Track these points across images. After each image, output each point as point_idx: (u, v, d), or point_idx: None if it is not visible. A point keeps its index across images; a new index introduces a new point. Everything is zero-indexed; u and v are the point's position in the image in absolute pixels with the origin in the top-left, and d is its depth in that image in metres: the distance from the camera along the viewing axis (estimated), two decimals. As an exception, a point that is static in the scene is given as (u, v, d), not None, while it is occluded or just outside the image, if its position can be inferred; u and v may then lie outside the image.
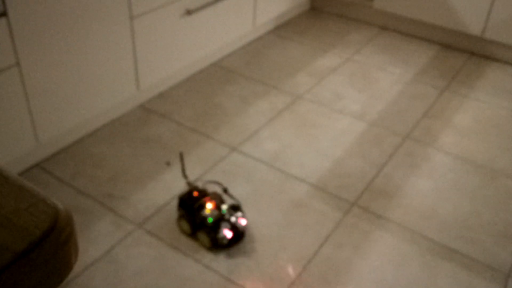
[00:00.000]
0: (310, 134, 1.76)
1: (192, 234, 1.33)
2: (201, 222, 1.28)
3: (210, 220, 1.27)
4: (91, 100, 1.56)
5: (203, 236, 1.29)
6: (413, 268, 1.28)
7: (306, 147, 1.69)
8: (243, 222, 1.31)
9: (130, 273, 1.22)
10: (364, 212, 1.45)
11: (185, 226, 1.32)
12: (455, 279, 1.26)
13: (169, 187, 1.49)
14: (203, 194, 1.32)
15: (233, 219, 1.29)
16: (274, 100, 1.93)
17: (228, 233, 1.28)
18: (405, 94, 2.00)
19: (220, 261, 1.27)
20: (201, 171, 1.56)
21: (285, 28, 2.48)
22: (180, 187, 1.49)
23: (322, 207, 1.46)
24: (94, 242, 1.30)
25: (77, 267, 1.23)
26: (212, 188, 1.47)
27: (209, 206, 1.29)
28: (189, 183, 1.37)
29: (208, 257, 1.28)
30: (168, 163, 1.57)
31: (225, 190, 1.38)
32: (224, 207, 1.30)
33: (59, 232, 0.36)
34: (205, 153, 1.64)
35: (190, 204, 1.30)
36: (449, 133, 1.79)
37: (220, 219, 1.28)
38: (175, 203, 1.44)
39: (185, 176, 1.41)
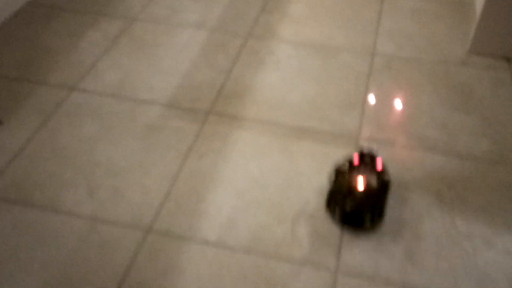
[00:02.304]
0: (152, 55, 1.67)
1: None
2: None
3: None
4: None
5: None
6: (274, 155, 1.33)
7: (151, 69, 1.61)
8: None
9: (-18, 245, 1.11)
10: (220, 118, 1.44)
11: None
12: (312, 154, 1.33)
13: (7, 147, 1.34)
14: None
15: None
16: (106, 28, 1.78)
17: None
18: (240, -6, 1.97)
19: (84, 203, 1.20)
20: (40, 121, 1.41)
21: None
22: (20, 142, 1.35)
23: (178, 124, 1.42)
24: None
25: None
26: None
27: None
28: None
29: (72, 201, 1.20)
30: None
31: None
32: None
33: None
34: (40, 101, 1.48)
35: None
36: (287, 23, 1.82)
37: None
38: (13, 165, 1.30)
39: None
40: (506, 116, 1.43)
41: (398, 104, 1.48)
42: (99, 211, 1.19)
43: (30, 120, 1.42)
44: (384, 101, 1.49)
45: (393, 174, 1.27)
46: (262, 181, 1.26)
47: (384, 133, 1.39)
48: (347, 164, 1.12)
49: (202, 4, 1.91)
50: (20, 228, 1.15)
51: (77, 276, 1.06)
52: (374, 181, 1.08)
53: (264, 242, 1.12)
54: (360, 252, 1.10)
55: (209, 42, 1.73)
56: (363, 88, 1.54)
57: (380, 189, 1.09)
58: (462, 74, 1.58)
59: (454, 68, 1.60)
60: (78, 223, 1.16)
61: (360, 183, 1.08)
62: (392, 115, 1.44)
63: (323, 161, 1.31)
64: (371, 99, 1.50)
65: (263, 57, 1.67)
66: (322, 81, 1.57)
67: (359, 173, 1.09)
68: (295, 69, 1.62)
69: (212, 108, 1.48)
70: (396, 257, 1.09)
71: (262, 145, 1.36)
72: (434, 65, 1.62)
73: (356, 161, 1.11)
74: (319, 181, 1.26)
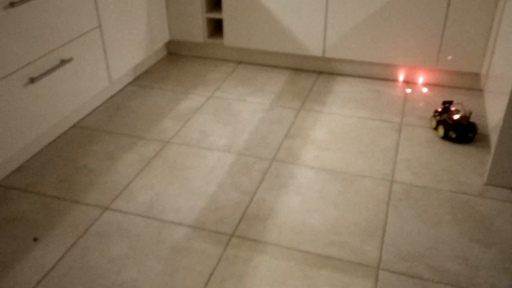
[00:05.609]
0: (182, 176, 1.78)
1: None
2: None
3: None
4: None
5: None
6: (294, 283, 1.35)
7: (179, 190, 1.71)
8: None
9: None
10: (243, 241, 1.49)
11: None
12: (332, 284, 1.34)
13: (40, 264, 1.41)
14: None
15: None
16: (141, 150, 1.93)
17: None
18: (265, 120, 2.12)
19: (104, 328, 1.22)
20: (72, 239, 1.50)
21: (145, 77, 2.50)
22: (52, 261, 1.41)
23: (202, 246, 1.48)
24: None
25: None
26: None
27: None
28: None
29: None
30: (35, 239, 1.49)
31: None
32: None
33: None
34: (74, 219, 1.58)
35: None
36: (309, 148, 1.93)
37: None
38: (41, 284, 1.36)
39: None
40: (527, 250, 1.43)
41: (417, 234, 1.51)
42: (120, 336, 1.21)
43: (64, 238, 1.50)
44: (404, 230, 1.52)
45: (414, 307, 1.26)
46: (281, 310, 1.27)
47: (404, 264, 1.40)
48: (438, 113, 2.05)
49: (230, 129, 2.06)
50: None
51: None
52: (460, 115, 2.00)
53: None
54: None
55: (236, 165, 1.84)
56: (382, 216, 1.58)
57: (468, 119, 1.97)
58: (480, 206, 1.61)
59: (472, 199, 1.64)
60: None
61: (456, 116, 1.97)
62: (412, 245, 1.46)
63: (342, 290, 1.32)
64: (391, 227, 1.53)
65: (286, 180, 1.75)
66: (341, 206, 1.62)
67: (449, 115, 2.00)
68: (315, 193, 1.69)
69: (236, 230, 1.53)
70: None
71: (283, 272, 1.39)
72: (452, 195, 1.66)
73: (441, 110, 2.06)
74: (338, 312, 1.25)
